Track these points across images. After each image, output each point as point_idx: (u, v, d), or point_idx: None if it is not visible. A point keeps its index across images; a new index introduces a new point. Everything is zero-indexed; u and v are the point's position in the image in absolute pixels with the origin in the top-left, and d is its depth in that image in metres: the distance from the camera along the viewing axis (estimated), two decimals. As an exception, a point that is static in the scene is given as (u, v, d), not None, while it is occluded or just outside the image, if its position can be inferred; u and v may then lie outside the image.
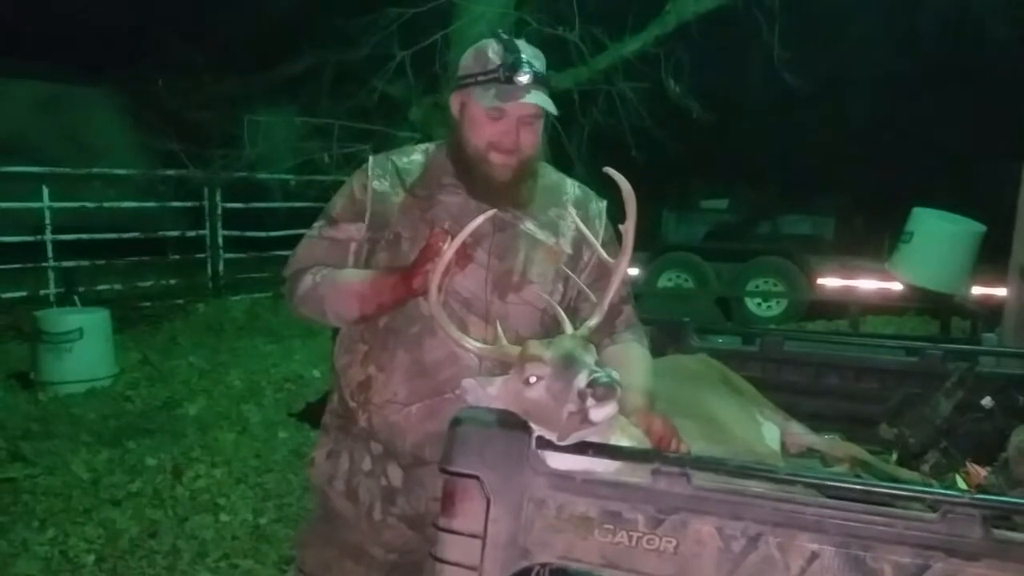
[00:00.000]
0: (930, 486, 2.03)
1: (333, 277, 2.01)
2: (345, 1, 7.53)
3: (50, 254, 9.00)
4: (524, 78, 1.93)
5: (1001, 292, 5.19)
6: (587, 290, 1.96)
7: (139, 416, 5.85)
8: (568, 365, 1.63)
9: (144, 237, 9.95)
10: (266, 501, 4.41)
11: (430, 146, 2.17)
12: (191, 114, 8.33)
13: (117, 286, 9.43)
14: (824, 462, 2.51)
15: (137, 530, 4.01)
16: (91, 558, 3.75)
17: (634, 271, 10.66)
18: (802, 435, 2.56)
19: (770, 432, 2.47)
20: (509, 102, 1.94)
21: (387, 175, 2.08)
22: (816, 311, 10.52)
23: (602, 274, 1.99)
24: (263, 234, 10.49)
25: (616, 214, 1.89)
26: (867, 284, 10.24)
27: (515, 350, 1.76)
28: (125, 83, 11.67)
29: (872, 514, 1.42)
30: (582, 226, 1.97)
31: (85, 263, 9.24)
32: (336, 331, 2.20)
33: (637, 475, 1.56)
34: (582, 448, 1.60)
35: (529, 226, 2.06)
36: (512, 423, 1.64)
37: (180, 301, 9.70)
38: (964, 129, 12.22)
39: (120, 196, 10.05)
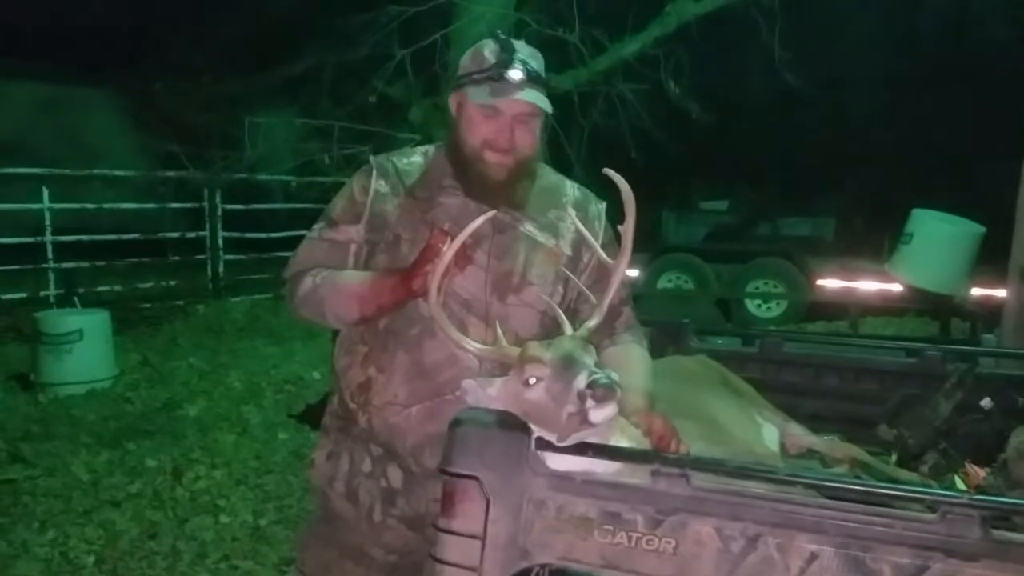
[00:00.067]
0: (929, 487, 2.03)
1: (333, 279, 2.01)
2: (345, 0, 7.54)
3: (50, 255, 9.00)
4: (516, 75, 1.94)
5: (1001, 293, 5.19)
6: (587, 291, 1.97)
7: (139, 417, 5.85)
8: (568, 366, 1.63)
9: (144, 238, 9.96)
10: (266, 502, 4.41)
11: (430, 148, 2.17)
12: (191, 115, 8.34)
13: (117, 287, 9.44)
14: (823, 463, 2.51)
15: (137, 531, 4.02)
16: (91, 559, 3.75)
17: (634, 272, 10.66)
18: (801, 436, 2.56)
19: (769, 433, 2.47)
20: (501, 98, 1.95)
21: (387, 177, 2.08)
22: (816, 312, 10.52)
23: (602, 276, 2.00)
24: (263, 235, 10.50)
25: (616, 215, 1.89)
26: (867, 285, 10.24)
27: (515, 351, 1.76)
28: (125, 84, 11.69)
29: (871, 515, 1.42)
30: (582, 227, 1.97)
31: (85, 264, 9.24)
32: (336, 333, 2.20)
33: (637, 476, 1.57)
34: (582, 449, 1.60)
35: (529, 228, 2.06)
36: (512, 424, 1.65)
37: (180, 302, 9.70)
38: (964, 130, 12.22)
39: (120, 197, 10.05)
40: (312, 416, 5.27)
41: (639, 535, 1.50)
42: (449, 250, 1.79)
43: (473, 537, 1.56)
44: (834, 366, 2.98)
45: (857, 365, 2.96)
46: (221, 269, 10.74)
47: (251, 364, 7.30)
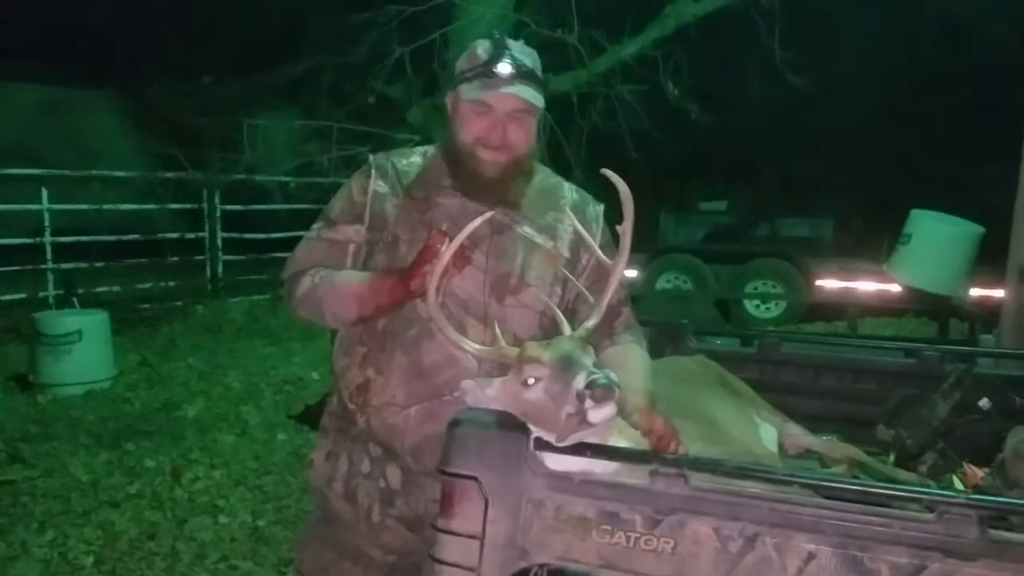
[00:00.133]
0: (927, 487, 2.04)
1: (331, 279, 2.01)
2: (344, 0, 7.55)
3: (49, 256, 9.00)
4: (505, 70, 1.94)
5: (999, 294, 5.19)
6: (586, 292, 1.97)
7: (138, 418, 5.85)
8: (566, 367, 1.64)
9: (143, 239, 9.96)
10: (265, 503, 4.41)
11: (429, 148, 2.17)
12: (190, 116, 8.34)
13: (116, 288, 9.42)
14: (822, 463, 2.51)
15: (136, 532, 4.02)
16: (90, 560, 3.75)
17: (633, 273, 10.67)
18: (800, 436, 2.57)
19: (768, 433, 2.47)
20: (489, 92, 1.95)
21: (386, 177, 2.09)
22: (815, 313, 10.53)
23: (600, 277, 2.00)
24: (262, 236, 10.51)
25: (615, 216, 1.89)
26: (866, 286, 10.25)
27: (513, 352, 1.76)
28: (125, 86, 11.69)
29: (869, 515, 1.42)
30: (580, 228, 1.98)
31: (84, 265, 9.24)
32: (335, 333, 2.20)
33: (635, 476, 1.57)
34: (580, 449, 1.60)
35: (527, 229, 2.06)
36: (510, 424, 1.65)
37: (179, 303, 9.70)
38: (963, 130, 12.24)
39: (119, 198, 10.04)
40: (311, 417, 5.27)
41: (637, 535, 1.50)
42: (447, 251, 1.79)
43: (472, 537, 1.57)
44: (832, 366, 2.98)
45: (855, 365, 2.96)
46: (220, 270, 10.74)
47: (250, 365, 7.31)
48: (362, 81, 7.58)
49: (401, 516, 2.06)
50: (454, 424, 1.65)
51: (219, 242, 10.64)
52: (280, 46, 8.60)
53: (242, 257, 10.87)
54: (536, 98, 1.98)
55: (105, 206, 9.67)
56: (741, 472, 1.60)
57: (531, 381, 1.66)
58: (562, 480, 1.58)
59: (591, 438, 1.62)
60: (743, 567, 1.45)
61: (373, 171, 2.09)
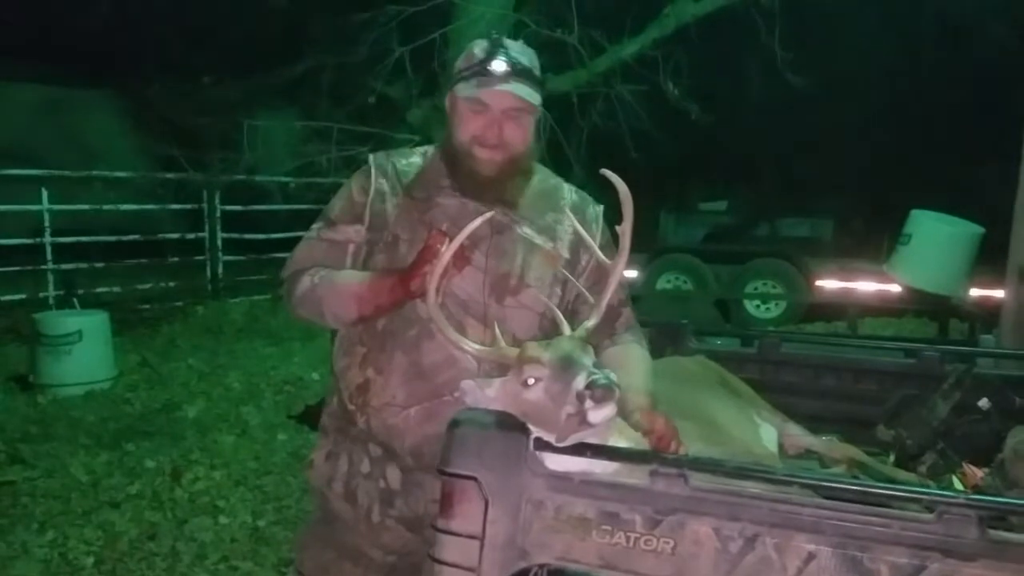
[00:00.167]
0: (927, 487, 2.04)
1: (331, 278, 2.01)
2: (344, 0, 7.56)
3: (49, 256, 9.00)
4: (500, 67, 1.95)
5: (999, 294, 5.19)
6: (585, 292, 1.97)
7: (138, 418, 5.85)
8: (566, 367, 1.63)
9: (143, 240, 9.96)
10: (265, 503, 4.41)
11: (429, 148, 2.17)
12: (190, 117, 8.34)
13: (116, 288, 9.42)
14: (822, 463, 2.51)
15: (136, 532, 4.02)
16: (90, 560, 3.75)
17: (633, 273, 10.67)
18: (800, 436, 2.57)
19: (768, 433, 2.47)
20: (484, 89, 1.96)
21: (386, 177, 2.09)
22: (815, 313, 10.53)
23: (600, 278, 2.00)
24: (262, 236, 10.52)
25: (614, 217, 1.89)
26: (866, 286, 10.25)
27: (513, 352, 1.76)
28: (125, 86, 11.68)
29: (869, 515, 1.42)
30: (580, 228, 1.98)
31: (84, 265, 9.24)
32: (335, 333, 2.20)
33: (635, 476, 1.57)
34: (580, 449, 1.60)
35: (526, 230, 2.06)
36: (510, 425, 1.65)
37: (179, 303, 9.70)
38: (963, 130, 12.24)
39: (119, 199, 10.04)
40: (311, 417, 5.27)
41: (637, 535, 1.50)
42: (447, 251, 1.79)
43: (472, 537, 1.57)
44: (832, 367, 2.98)
45: (855, 366, 2.96)
46: (220, 270, 10.74)
47: (250, 365, 7.31)
48: (362, 81, 7.59)
49: (401, 516, 2.06)
50: (454, 424, 1.65)
51: (219, 242, 10.64)
52: (280, 46, 8.60)
53: (242, 257, 10.87)
54: (532, 96, 1.98)
55: (105, 206, 9.67)
56: (741, 472, 1.60)
57: (531, 381, 1.66)
58: (562, 480, 1.58)
59: (591, 438, 1.62)
60: (743, 567, 1.45)
61: (373, 171, 2.09)
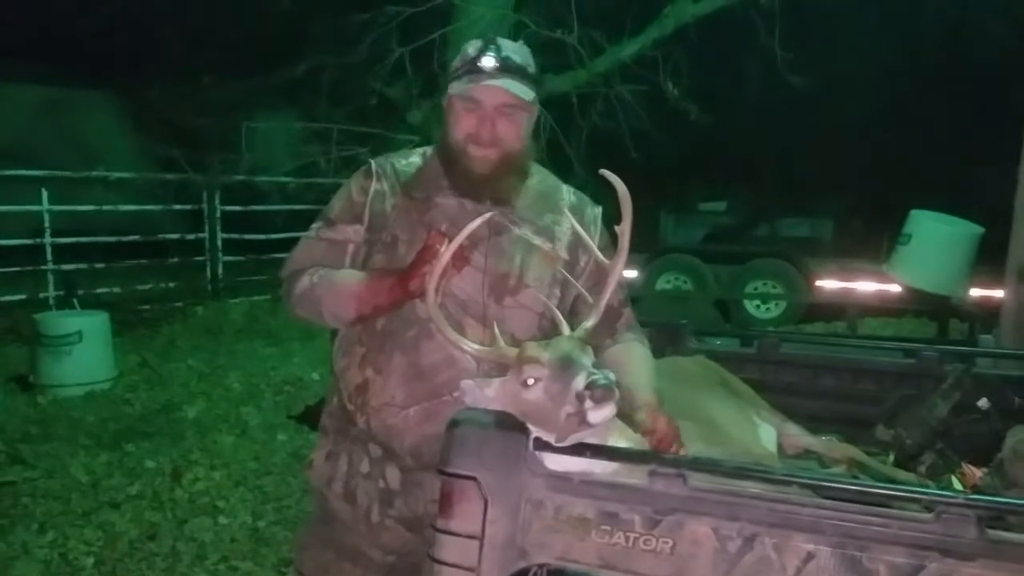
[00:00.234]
0: (926, 487, 2.04)
1: (330, 278, 2.01)
2: (344, 0, 7.56)
3: (49, 257, 8.99)
4: (489, 63, 1.95)
5: (999, 294, 5.19)
6: (585, 292, 1.97)
7: (138, 419, 5.85)
8: (566, 367, 1.64)
9: (143, 240, 9.96)
10: (265, 504, 4.41)
11: (428, 149, 2.18)
12: (190, 118, 8.35)
13: (116, 289, 9.42)
14: (821, 463, 2.51)
15: (136, 532, 4.02)
16: (90, 560, 3.75)
17: (632, 273, 10.68)
18: (799, 436, 2.57)
19: (767, 433, 2.47)
20: (475, 86, 1.96)
21: (385, 177, 2.09)
22: (815, 313, 10.52)
23: (600, 279, 2.00)
24: (262, 237, 10.51)
25: (614, 217, 1.90)
26: (865, 286, 10.25)
27: (512, 352, 1.76)
28: (125, 87, 11.68)
29: (868, 515, 1.42)
30: (579, 228, 1.98)
31: (84, 266, 9.23)
32: (335, 333, 2.20)
33: (634, 476, 1.57)
34: (579, 449, 1.60)
35: (525, 231, 2.07)
36: (510, 424, 1.65)
37: (179, 304, 9.69)
38: (962, 130, 12.23)
39: (119, 199, 10.04)
40: (311, 417, 5.27)
41: (636, 535, 1.50)
42: (447, 251, 1.79)
43: (471, 537, 1.57)
44: (832, 367, 2.98)
45: (855, 366, 2.96)
46: (220, 271, 10.73)
47: (250, 365, 7.31)
48: (362, 82, 7.59)
49: (400, 516, 2.06)
50: (453, 424, 1.65)
51: (219, 243, 10.63)
52: (280, 47, 8.60)
53: (242, 258, 10.87)
54: (524, 92, 1.98)
55: (105, 207, 9.67)
56: (740, 472, 1.60)
57: (530, 381, 1.66)
58: (561, 480, 1.58)
59: (590, 438, 1.62)
60: (742, 567, 1.45)
61: (373, 171, 2.09)
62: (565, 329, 1.84)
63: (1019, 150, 4.50)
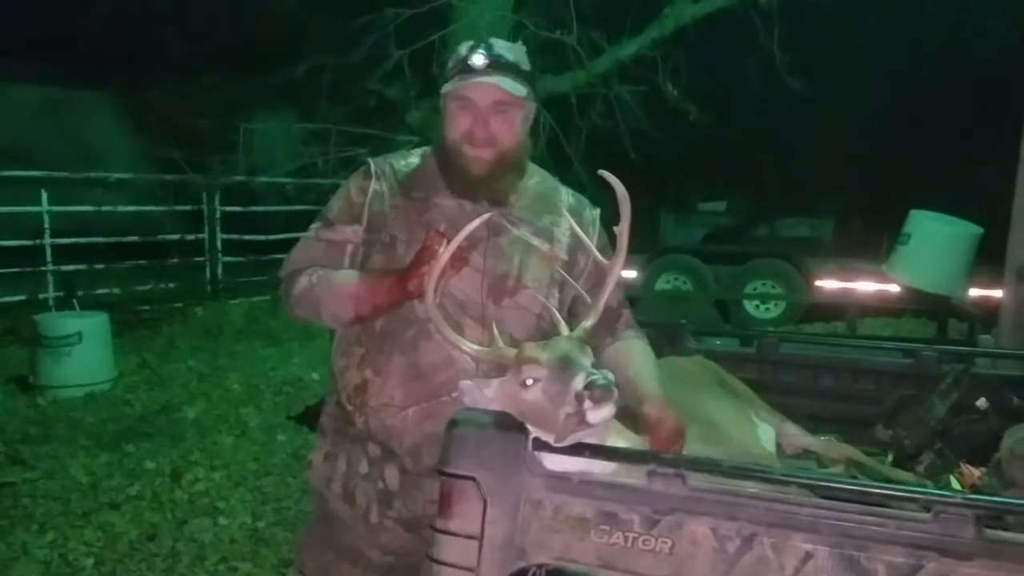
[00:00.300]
0: (924, 487, 2.04)
1: (329, 278, 2.02)
2: (344, 1, 7.56)
3: (49, 258, 9.00)
4: (479, 60, 1.96)
5: (998, 294, 5.19)
6: (584, 294, 1.97)
7: (138, 420, 5.85)
8: (565, 367, 1.64)
9: (143, 241, 9.97)
10: (265, 504, 4.42)
11: (427, 150, 2.18)
12: (190, 119, 8.34)
13: (116, 290, 9.43)
14: (820, 463, 2.52)
15: (136, 533, 4.02)
16: (90, 561, 3.76)
17: (632, 274, 10.69)
18: (798, 436, 2.57)
19: (766, 433, 2.48)
20: (466, 84, 1.97)
21: (384, 178, 2.09)
22: (814, 313, 10.53)
23: (598, 280, 2.00)
24: (262, 237, 10.52)
25: (613, 217, 1.90)
26: (865, 286, 10.26)
27: (511, 352, 1.76)
28: (125, 87, 11.67)
29: (866, 514, 1.42)
30: (578, 229, 1.98)
31: (84, 267, 9.24)
32: (334, 334, 2.20)
33: (633, 476, 1.57)
34: (578, 449, 1.60)
35: (523, 232, 2.07)
36: (509, 425, 1.65)
37: (179, 305, 9.70)
38: (962, 130, 12.23)
39: (119, 200, 10.05)
40: (311, 417, 5.27)
41: (635, 535, 1.50)
42: (445, 252, 1.79)
43: (470, 537, 1.57)
44: (831, 367, 2.98)
45: (854, 366, 2.96)
46: (220, 271, 10.75)
47: (250, 366, 7.31)
48: (361, 83, 7.60)
49: (399, 517, 2.06)
50: (452, 424, 1.65)
51: (219, 244, 10.64)
52: (280, 48, 8.59)
53: (242, 259, 10.88)
54: (516, 89, 1.98)
55: (105, 208, 9.67)
56: (739, 472, 1.60)
57: (529, 382, 1.66)
58: (560, 480, 1.58)
59: (589, 438, 1.62)
60: (740, 567, 1.45)
61: (372, 172, 2.10)
62: (564, 329, 1.84)
63: (1019, 150, 4.51)
